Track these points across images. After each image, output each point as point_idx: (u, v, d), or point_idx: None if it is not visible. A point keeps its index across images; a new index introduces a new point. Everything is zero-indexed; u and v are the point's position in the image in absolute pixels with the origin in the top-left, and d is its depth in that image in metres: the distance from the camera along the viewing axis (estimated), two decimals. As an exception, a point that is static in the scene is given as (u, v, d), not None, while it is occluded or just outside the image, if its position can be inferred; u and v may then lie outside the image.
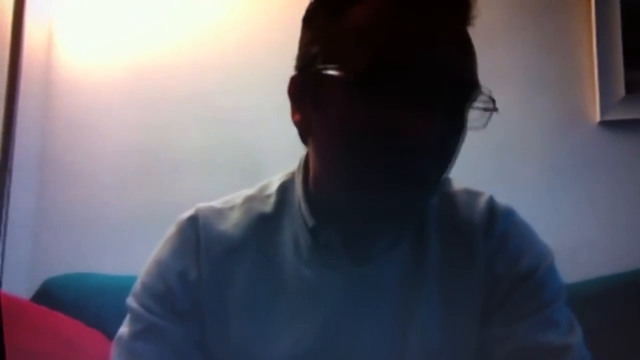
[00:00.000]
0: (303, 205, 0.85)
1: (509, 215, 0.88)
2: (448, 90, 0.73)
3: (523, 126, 1.73)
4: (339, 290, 0.83)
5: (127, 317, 0.86)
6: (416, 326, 0.82)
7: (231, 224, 0.88)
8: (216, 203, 0.91)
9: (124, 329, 0.85)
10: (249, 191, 0.92)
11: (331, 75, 0.75)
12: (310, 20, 0.82)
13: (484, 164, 1.66)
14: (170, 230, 0.90)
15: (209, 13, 1.87)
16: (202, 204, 0.91)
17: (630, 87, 1.70)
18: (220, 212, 0.89)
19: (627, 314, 1.43)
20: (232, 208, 0.90)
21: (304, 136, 0.83)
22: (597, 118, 1.72)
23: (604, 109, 1.71)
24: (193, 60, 1.84)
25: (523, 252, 0.85)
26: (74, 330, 1.38)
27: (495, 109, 0.77)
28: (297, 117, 0.82)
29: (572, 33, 1.76)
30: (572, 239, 1.62)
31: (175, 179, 1.79)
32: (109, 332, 1.28)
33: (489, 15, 1.77)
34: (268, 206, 0.89)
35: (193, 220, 0.88)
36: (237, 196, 0.92)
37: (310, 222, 0.83)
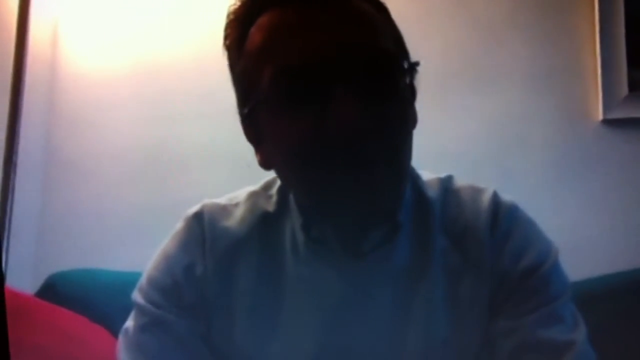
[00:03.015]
0: (295, 204, 0.86)
1: (513, 211, 0.88)
2: (349, 68, 0.73)
3: (526, 124, 1.73)
4: (337, 287, 0.83)
5: (133, 311, 0.86)
6: (418, 320, 0.83)
7: (235, 220, 0.89)
8: (221, 199, 0.92)
9: (129, 323, 0.85)
10: (253, 187, 0.93)
11: (253, 110, 0.79)
12: (229, 66, 0.85)
13: (486, 161, 1.67)
14: (177, 225, 0.90)
15: (214, 9, 1.87)
16: (208, 200, 0.92)
17: (633, 86, 1.71)
18: (224, 209, 0.90)
19: (629, 312, 1.43)
20: (236, 205, 0.91)
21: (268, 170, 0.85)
22: (600, 116, 1.72)
23: (607, 107, 1.71)
24: (197, 57, 1.84)
25: (527, 247, 0.85)
26: (78, 326, 1.38)
27: (412, 67, 0.78)
28: (258, 157, 0.84)
29: (575, 31, 1.77)
30: (575, 237, 1.61)
31: (180, 175, 1.80)
32: (114, 328, 1.28)
33: (492, 13, 1.80)
34: (271, 205, 0.89)
35: (198, 216, 0.89)
36: (242, 192, 0.93)
37: (300, 220, 0.84)
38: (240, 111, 0.83)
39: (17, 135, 1.73)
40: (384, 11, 0.82)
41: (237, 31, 0.82)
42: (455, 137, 1.69)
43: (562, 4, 1.77)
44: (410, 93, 0.80)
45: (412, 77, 0.79)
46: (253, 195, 0.91)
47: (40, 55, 1.84)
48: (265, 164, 0.83)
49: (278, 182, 0.91)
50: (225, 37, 0.84)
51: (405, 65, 0.78)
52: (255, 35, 0.79)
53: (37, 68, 1.82)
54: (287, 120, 0.75)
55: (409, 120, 0.79)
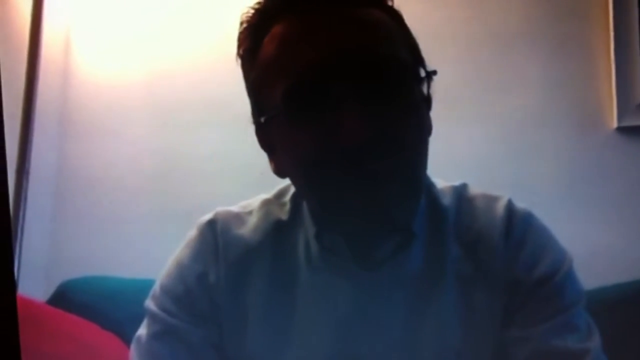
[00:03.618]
0: (308, 213, 0.86)
1: (527, 219, 0.87)
2: (356, 73, 0.72)
3: (539, 132, 1.72)
4: (350, 295, 0.83)
5: (146, 319, 0.86)
6: (430, 328, 0.82)
7: (248, 228, 0.89)
8: (235, 207, 0.92)
9: (142, 331, 0.86)
10: (267, 195, 0.93)
11: (266, 121, 0.78)
12: (243, 74, 0.84)
13: (499, 169, 1.66)
14: (191, 233, 0.90)
15: (226, 17, 1.87)
16: (221, 208, 0.92)
17: (648, 93, 1.70)
18: (238, 216, 0.90)
19: (644, 321, 1.42)
20: (250, 212, 0.90)
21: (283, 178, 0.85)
22: (615, 124, 1.71)
23: (621, 115, 1.70)
24: (210, 65, 1.84)
25: (541, 255, 0.84)
26: (90, 333, 1.38)
27: (429, 75, 0.77)
28: (272, 165, 0.84)
29: (589, 38, 1.76)
30: (588, 245, 1.60)
31: (192, 182, 1.80)
32: (125, 336, 1.28)
33: (505, 20, 1.79)
34: (284, 213, 0.89)
35: (212, 223, 0.89)
36: (255, 200, 0.92)
37: (314, 229, 0.84)
38: (254, 120, 0.83)
39: (29, 143, 1.73)
40: (397, 18, 0.82)
41: (250, 40, 0.81)
42: (468, 145, 1.69)
43: (576, 10, 1.77)
44: (424, 101, 0.80)
45: (428, 86, 0.79)
46: (266, 203, 0.91)
47: (53, 63, 1.85)
48: (279, 172, 0.83)
49: (291, 190, 0.90)
50: (239, 46, 0.84)
51: (422, 74, 0.78)
52: (268, 46, 0.78)
53: (50, 76, 1.82)
54: (298, 130, 0.75)
55: (422, 128, 0.78)
